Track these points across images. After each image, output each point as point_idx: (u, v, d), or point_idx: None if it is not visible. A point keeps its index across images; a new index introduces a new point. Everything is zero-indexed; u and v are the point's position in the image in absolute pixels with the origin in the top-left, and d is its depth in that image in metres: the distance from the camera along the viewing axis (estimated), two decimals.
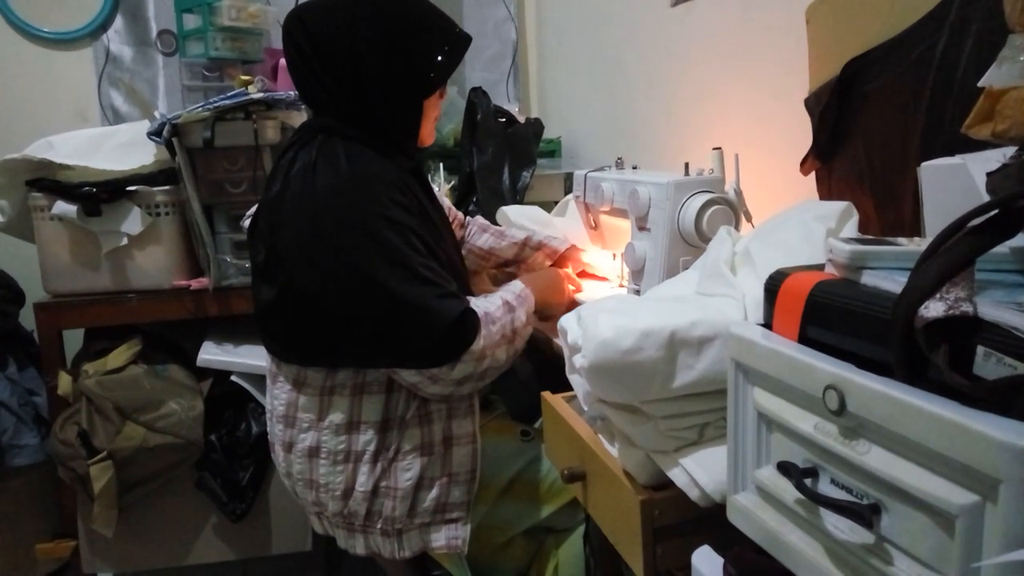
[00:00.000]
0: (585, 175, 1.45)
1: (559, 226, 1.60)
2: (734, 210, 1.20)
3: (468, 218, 1.63)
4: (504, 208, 1.72)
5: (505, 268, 1.59)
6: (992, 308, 0.47)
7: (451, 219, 1.56)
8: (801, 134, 1.11)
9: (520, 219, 1.64)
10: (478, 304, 1.16)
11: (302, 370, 1.19)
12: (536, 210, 1.71)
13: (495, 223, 1.69)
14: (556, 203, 1.84)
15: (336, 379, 1.18)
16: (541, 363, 1.37)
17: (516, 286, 1.25)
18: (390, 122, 1.21)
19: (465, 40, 1.25)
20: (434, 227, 1.21)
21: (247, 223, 1.31)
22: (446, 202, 1.59)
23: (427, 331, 1.09)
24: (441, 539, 1.22)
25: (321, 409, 1.19)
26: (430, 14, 1.22)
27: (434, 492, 1.20)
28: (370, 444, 1.18)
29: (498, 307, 1.18)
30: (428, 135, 1.29)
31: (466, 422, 1.22)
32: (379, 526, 1.21)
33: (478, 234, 1.58)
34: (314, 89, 1.20)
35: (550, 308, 1.30)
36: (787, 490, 0.59)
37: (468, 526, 1.22)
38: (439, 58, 1.21)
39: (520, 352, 1.22)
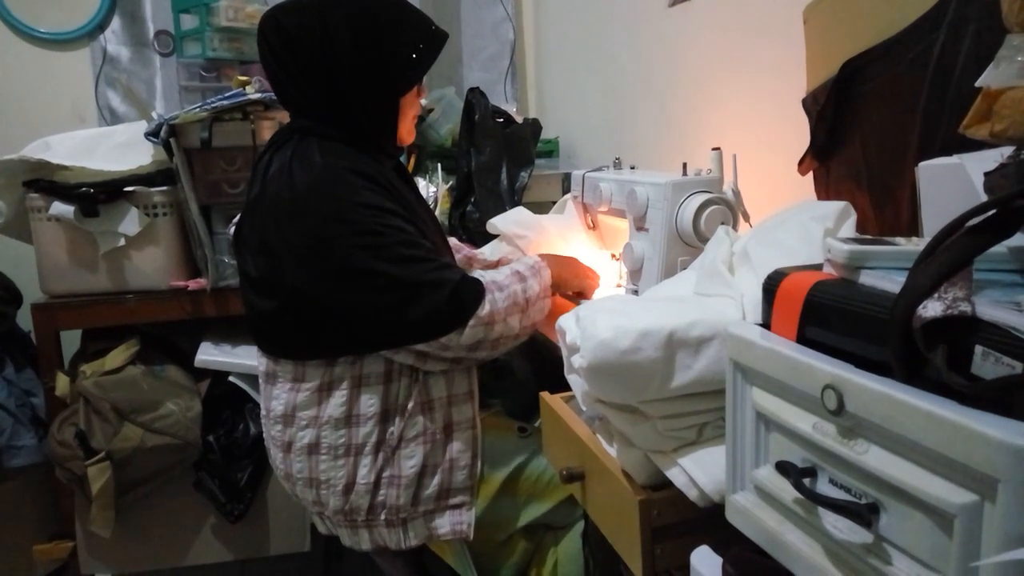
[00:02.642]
0: (583, 175, 1.45)
1: (548, 227, 1.60)
2: (732, 210, 1.20)
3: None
4: (492, 220, 1.71)
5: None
6: (990, 308, 0.47)
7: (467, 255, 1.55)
8: (799, 134, 1.11)
9: (508, 227, 1.64)
10: (484, 274, 1.18)
11: (300, 368, 1.20)
12: (521, 211, 1.70)
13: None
14: (554, 203, 1.84)
15: (334, 374, 1.18)
16: (539, 363, 1.38)
17: (530, 259, 1.26)
18: (367, 121, 1.21)
19: (441, 37, 1.25)
20: (417, 216, 1.21)
21: (232, 229, 1.31)
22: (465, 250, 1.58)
23: (427, 304, 1.10)
24: (446, 525, 1.22)
25: (320, 405, 1.19)
26: (405, 11, 1.22)
27: (437, 478, 1.20)
28: (370, 436, 1.18)
29: (507, 276, 1.19)
30: (407, 133, 1.29)
31: (466, 408, 1.23)
32: (383, 517, 1.21)
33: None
34: (289, 90, 1.21)
35: (569, 286, 1.30)
36: (786, 490, 0.59)
37: (472, 511, 1.22)
38: (414, 55, 1.21)
39: (538, 324, 1.22)
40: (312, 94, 1.18)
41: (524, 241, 1.60)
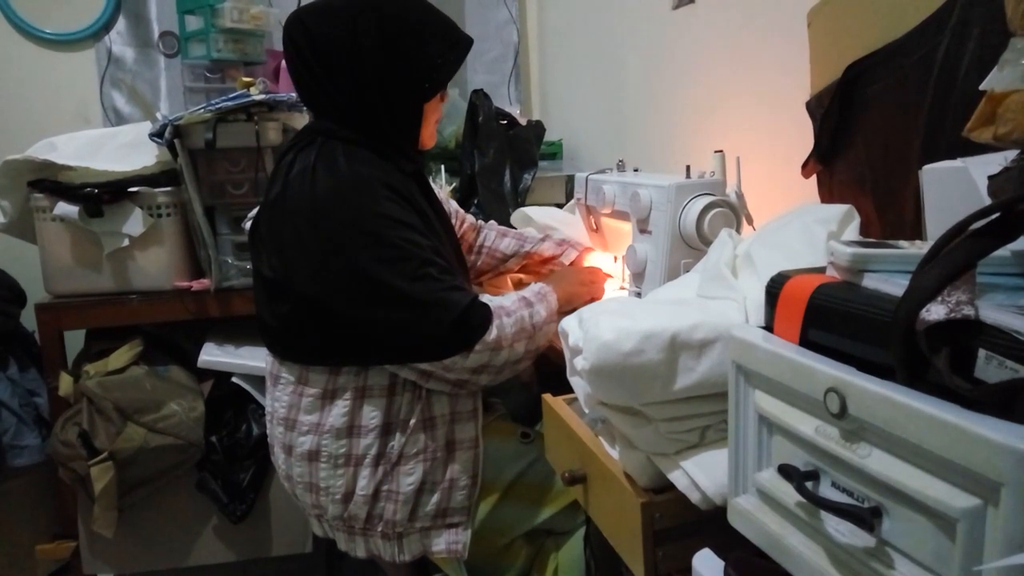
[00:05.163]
0: (586, 177, 1.45)
1: (581, 226, 1.61)
2: (735, 213, 1.20)
3: (481, 222, 1.63)
4: (525, 209, 1.73)
5: (528, 269, 1.60)
6: (993, 311, 0.47)
7: (460, 221, 1.57)
8: (802, 137, 1.11)
9: (545, 219, 1.66)
10: (492, 299, 1.18)
11: (304, 372, 1.20)
12: (555, 210, 1.73)
13: (503, 224, 1.70)
14: (559, 205, 1.85)
15: (338, 382, 1.18)
16: (542, 365, 1.38)
17: (536, 285, 1.27)
18: (390, 125, 1.21)
19: (466, 43, 1.25)
20: (433, 230, 1.21)
21: (248, 225, 1.32)
22: (453, 205, 1.59)
23: (435, 323, 1.10)
24: (441, 544, 1.22)
25: (322, 413, 1.19)
26: (432, 17, 1.22)
27: (436, 497, 1.20)
28: (371, 448, 1.18)
29: (513, 302, 1.20)
30: (428, 138, 1.29)
31: (469, 426, 1.22)
32: (379, 529, 1.21)
33: (499, 238, 1.60)
34: (314, 92, 1.21)
35: (580, 298, 1.30)
36: (788, 493, 0.59)
37: (468, 531, 1.22)
38: (439, 61, 1.21)
39: (542, 349, 1.22)
40: (337, 96, 1.18)
41: (557, 234, 1.61)
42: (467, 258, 1.58)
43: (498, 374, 1.18)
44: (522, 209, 1.74)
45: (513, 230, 1.64)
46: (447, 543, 1.22)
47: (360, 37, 1.15)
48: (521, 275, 1.61)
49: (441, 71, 1.22)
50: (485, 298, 1.18)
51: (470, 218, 1.61)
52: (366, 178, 1.13)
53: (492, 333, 1.13)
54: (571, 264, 1.54)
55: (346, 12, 1.16)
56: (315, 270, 1.12)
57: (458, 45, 1.24)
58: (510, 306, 1.18)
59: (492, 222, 1.66)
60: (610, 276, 1.47)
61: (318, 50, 1.17)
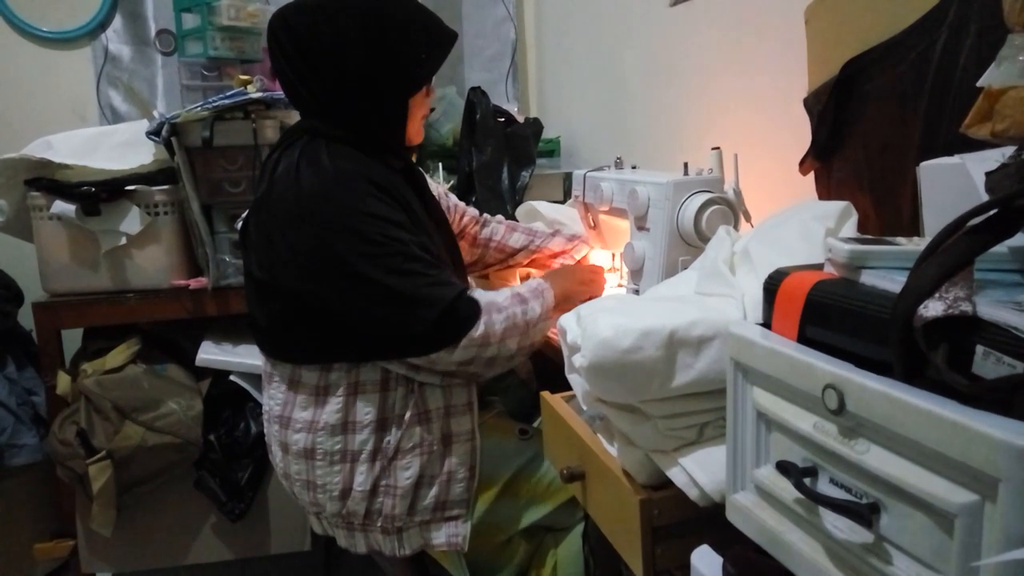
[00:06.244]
0: (584, 175, 1.45)
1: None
2: (733, 210, 1.20)
3: (486, 215, 1.63)
4: (535, 203, 1.73)
5: (537, 263, 1.61)
6: (991, 307, 0.47)
7: (459, 215, 1.56)
8: (800, 134, 1.11)
9: (553, 214, 1.67)
10: (484, 294, 1.17)
11: (296, 370, 1.20)
12: (563, 206, 1.73)
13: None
14: (560, 203, 1.85)
15: (330, 379, 1.18)
16: (540, 362, 1.38)
17: (533, 281, 1.27)
18: (376, 121, 1.21)
19: (450, 36, 1.25)
20: (422, 227, 1.21)
21: (240, 226, 1.32)
22: (452, 199, 1.59)
23: (418, 319, 1.09)
24: (441, 537, 1.22)
25: (316, 410, 1.19)
26: (414, 11, 1.22)
27: (434, 490, 1.20)
28: (367, 444, 1.18)
29: (506, 298, 1.19)
30: (415, 134, 1.29)
31: (464, 419, 1.22)
32: (379, 524, 1.21)
33: (508, 233, 1.60)
34: (298, 90, 1.21)
35: (578, 296, 1.30)
36: (786, 489, 0.59)
37: (468, 524, 1.23)
38: (423, 55, 1.21)
39: (537, 345, 1.22)
40: (321, 94, 1.18)
41: (566, 230, 1.61)
42: (472, 251, 1.58)
43: (488, 367, 1.18)
44: (530, 202, 1.74)
45: (522, 225, 1.64)
46: (447, 536, 1.22)
47: (342, 33, 1.15)
48: (530, 269, 1.61)
49: (425, 66, 1.22)
50: (478, 293, 1.17)
51: (472, 211, 1.61)
52: (350, 175, 1.13)
53: (479, 329, 1.12)
54: (579, 261, 1.54)
55: (328, 8, 1.16)
56: (301, 267, 1.12)
57: (442, 38, 1.24)
58: (502, 302, 1.18)
59: (499, 216, 1.66)
60: (614, 270, 1.47)
61: (301, 47, 1.17)
